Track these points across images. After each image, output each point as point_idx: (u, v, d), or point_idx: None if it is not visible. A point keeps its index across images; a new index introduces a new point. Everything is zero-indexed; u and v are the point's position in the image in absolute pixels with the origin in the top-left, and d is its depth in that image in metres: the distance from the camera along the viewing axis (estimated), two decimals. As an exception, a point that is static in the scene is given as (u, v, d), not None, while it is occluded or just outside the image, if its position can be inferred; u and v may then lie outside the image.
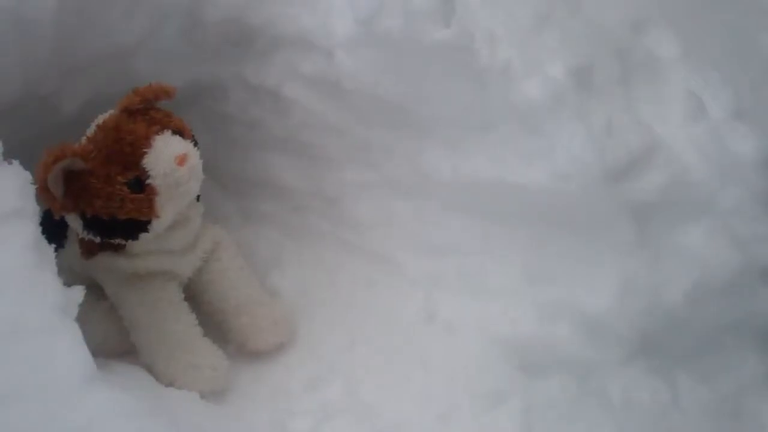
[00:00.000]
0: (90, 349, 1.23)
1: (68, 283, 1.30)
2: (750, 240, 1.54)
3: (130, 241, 1.59)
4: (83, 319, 1.28)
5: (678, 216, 1.56)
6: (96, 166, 1.49)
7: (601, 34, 1.68)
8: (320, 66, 1.72)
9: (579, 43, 1.64)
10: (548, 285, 1.62)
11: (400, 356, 1.67)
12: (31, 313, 1.22)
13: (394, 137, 1.75)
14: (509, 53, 1.59)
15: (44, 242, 1.32)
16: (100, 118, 1.56)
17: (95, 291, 1.65)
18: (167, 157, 1.50)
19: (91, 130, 1.55)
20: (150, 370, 1.61)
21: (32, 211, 1.33)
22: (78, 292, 1.29)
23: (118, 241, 1.59)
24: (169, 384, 1.59)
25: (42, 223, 1.35)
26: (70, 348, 1.21)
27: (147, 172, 1.49)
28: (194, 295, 1.73)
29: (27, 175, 1.36)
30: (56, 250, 1.33)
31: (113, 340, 1.65)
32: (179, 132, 1.55)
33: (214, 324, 1.72)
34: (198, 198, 1.65)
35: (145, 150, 1.49)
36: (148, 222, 1.54)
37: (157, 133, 1.51)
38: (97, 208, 1.51)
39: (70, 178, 1.49)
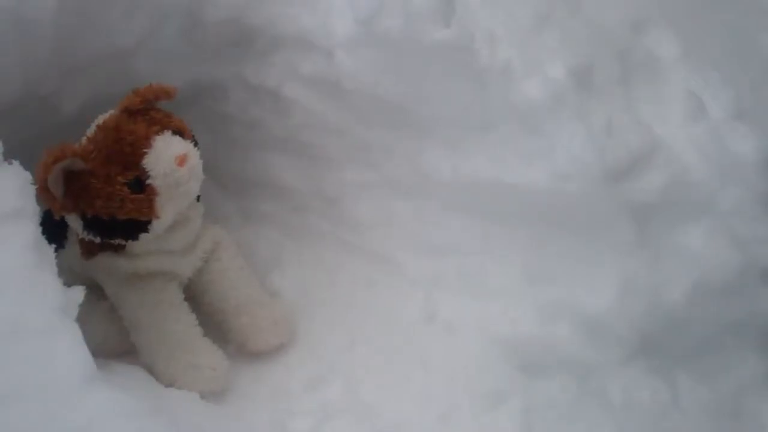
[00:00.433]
0: (90, 349, 1.23)
1: (68, 284, 1.30)
2: (750, 240, 1.54)
3: (130, 242, 1.59)
4: (83, 319, 1.28)
5: (678, 216, 1.56)
6: (96, 167, 1.49)
7: (601, 34, 1.68)
8: (320, 66, 1.72)
9: (579, 43, 1.64)
10: (548, 285, 1.62)
11: (400, 356, 1.67)
12: (32, 313, 1.22)
13: (394, 137, 1.75)
14: (509, 53, 1.59)
15: (44, 242, 1.32)
16: (101, 119, 1.56)
17: (95, 291, 1.65)
18: (167, 157, 1.50)
19: (91, 131, 1.55)
20: (150, 370, 1.61)
21: (32, 211, 1.33)
22: (78, 293, 1.29)
23: (118, 241, 1.59)
24: (170, 384, 1.59)
25: (42, 224, 1.35)
26: (70, 348, 1.21)
27: (147, 172, 1.49)
28: (194, 295, 1.73)
29: (27, 176, 1.36)
30: (56, 250, 1.33)
31: (113, 340, 1.65)
32: (179, 132, 1.55)
33: (214, 324, 1.72)
34: (198, 198, 1.65)
35: (145, 150, 1.49)
36: (148, 222, 1.54)
37: (157, 133, 1.51)
38: (97, 208, 1.51)
39: (70, 178, 1.49)
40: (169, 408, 1.45)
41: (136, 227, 1.55)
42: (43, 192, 1.44)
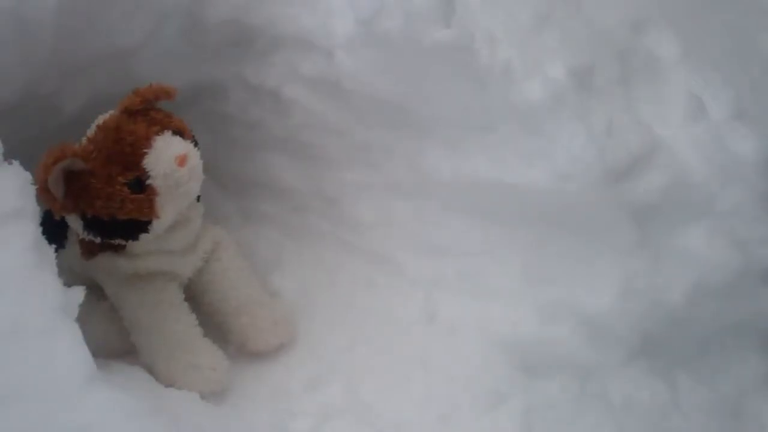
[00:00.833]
0: (90, 349, 1.23)
1: (68, 284, 1.30)
2: (750, 241, 1.54)
3: (130, 242, 1.59)
4: (83, 319, 1.28)
5: (678, 217, 1.56)
6: (96, 167, 1.49)
7: (601, 34, 1.68)
8: (320, 66, 1.72)
9: (579, 43, 1.64)
10: (548, 285, 1.62)
11: (400, 357, 1.67)
12: (32, 313, 1.22)
13: (394, 137, 1.75)
14: (509, 53, 1.59)
15: (44, 243, 1.32)
16: (101, 119, 1.56)
17: (95, 291, 1.65)
18: (167, 157, 1.50)
19: (91, 131, 1.55)
20: (150, 370, 1.61)
21: (32, 211, 1.33)
22: (78, 293, 1.29)
23: (118, 241, 1.59)
24: (170, 384, 1.59)
25: (42, 224, 1.35)
26: (70, 348, 1.21)
27: (147, 172, 1.49)
28: (194, 295, 1.73)
29: (27, 176, 1.36)
30: (56, 250, 1.33)
31: (113, 340, 1.65)
32: (179, 132, 1.55)
33: (215, 324, 1.72)
34: (198, 198, 1.65)
35: (145, 150, 1.49)
36: (149, 222, 1.54)
37: (157, 133, 1.51)
38: (97, 208, 1.51)
39: (71, 178, 1.49)
40: (169, 408, 1.45)
41: (137, 227, 1.55)
42: (43, 192, 1.44)
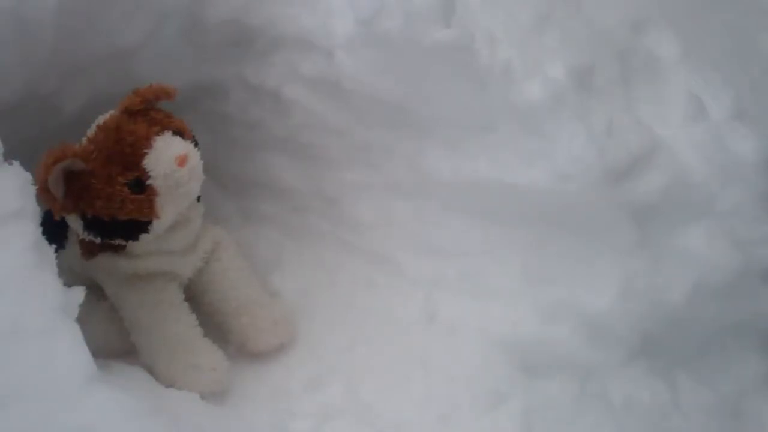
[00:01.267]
0: (90, 349, 1.23)
1: (69, 284, 1.30)
2: (750, 241, 1.54)
3: (130, 242, 1.59)
4: (84, 319, 1.28)
5: (678, 217, 1.56)
6: (96, 167, 1.49)
7: (601, 34, 1.68)
8: (320, 66, 1.72)
9: (579, 43, 1.64)
10: (548, 286, 1.62)
11: (400, 357, 1.67)
12: (32, 313, 1.22)
13: (394, 137, 1.75)
14: (509, 53, 1.59)
15: (44, 243, 1.32)
16: (101, 119, 1.56)
17: (96, 291, 1.65)
18: (168, 157, 1.50)
19: (91, 131, 1.55)
20: (150, 370, 1.61)
21: (32, 211, 1.33)
22: (78, 293, 1.29)
23: (118, 241, 1.59)
24: (170, 384, 1.59)
25: (42, 224, 1.35)
26: (70, 348, 1.21)
27: (147, 172, 1.49)
28: (194, 295, 1.73)
29: (27, 176, 1.36)
30: (56, 250, 1.33)
31: (114, 340, 1.65)
32: (180, 133, 1.55)
33: (215, 324, 1.72)
34: (198, 199, 1.65)
35: (145, 151, 1.49)
36: (149, 223, 1.54)
37: (157, 133, 1.51)
38: (97, 208, 1.51)
39: (71, 178, 1.48)
40: (170, 408, 1.45)
41: (137, 228, 1.55)
42: (43, 192, 1.44)
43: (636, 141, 1.56)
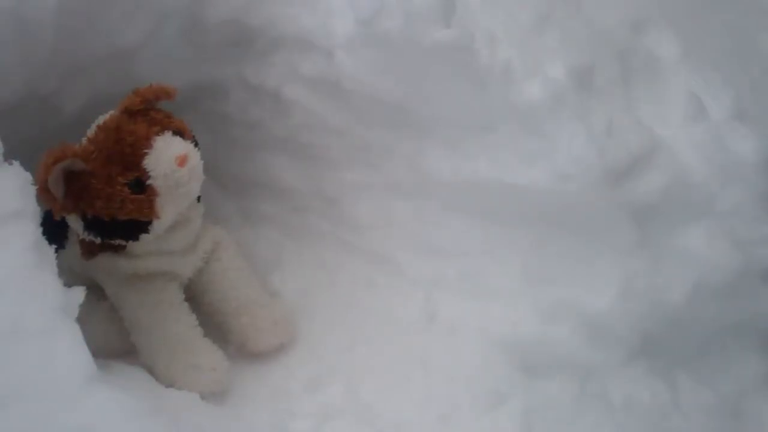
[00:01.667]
0: (90, 349, 1.23)
1: (69, 284, 1.30)
2: (750, 241, 1.54)
3: (130, 242, 1.59)
4: (84, 319, 1.28)
5: (678, 217, 1.56)
6: (96, 167, 1.49)
7: (601, 34, 1.68)
8: (320, 66, 1.72)
9: (579, 43, 1.64)
10: (549, 286, 1.62)
11: (400, 357, 1.67)
12: (32, 313, 1.22)
13: (394, 137, 1.75)
14: (509, 53, 1.59)
15: (45, 243, 1.32)
16: (101, 119, 1.56)
17: (96, 292, 1.65)
18: (168, 157, 1.50)
19: (91, 131, 1.55)
20: (150, 370, 1.61)
21: (33, 211, 1.33)
22: (78, 293, 1.29)
23: (118, 241, 1.59)
24: (170, 385, 1.59)
25: (42, 224, 1.35)
26: (70, 348, 1.21)
27: (147, 172, 1.49)
28: (194, 295, 1.73)
29: (27, 176, 1.36)
30: (57, 250, 1.33)
31: (114, 340, 1.65)
32: (180, 133, 1.55)
33: (215, 325, 1.72)
34: (198, 199, 1.65)
35: (145, 151, 1.49)
36: (149, 223, 1.54)
37: (157, 133, 1.51)
38: (97, 208, 1.51)
39: (71, 178, 1.49)
40: (169, 408, 1.45)
41: (137, 228, 1.55)
42: (43, 192, 1.44)
43: (636, 141, 1.56)
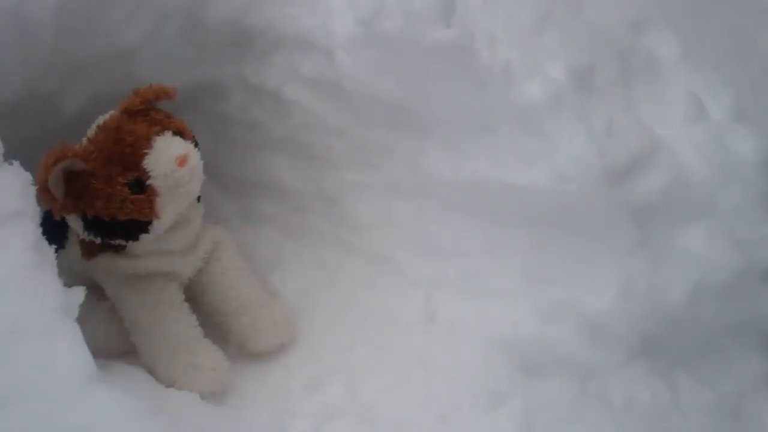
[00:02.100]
0: (90, 349, 1.23)
1: (69, 284, 1.30)
2: (750, 241, 1.54)
3: (130, 242, 1.59)
4: (84, 319, 1.28)
5: (678, 217, 1.56)
6: (96, 167, 1.49)
7: (601, 34, 1.68)
8: (320, 66, 1.72)
9: (579, 43, 1.65)
10: (549, 286, 1.62)
11: (400, 357, 1.67)
12: (32, 313, 1.22)
13: (394, 137, 1.75)
14: (509, 54, 1.59)
15: (45, 243, 1.32)
16: (101, 119, 1.56)
17: (96, 292, 1.65)
18: (168, 158, 1.50)
19: (91, 131, 1.55)
20: (150, 370, 1.61)
21: (33, 211, 1.33)
22: (78, 293, 1.29)
23: (118, 241, 1.59)
24: (170, 385, 1.59)
25: (42, 224, 1.35)
26: (70, 348, 1.21)
27: (147, 172, 1.49)
28: (194, 295, 1.73)
29: (27, 176, 1.36)
30: (57, 250, 1.33)
31: (114, 340, 1.65)
32: (180, 133, 1.55)
33: (215, 325, 1.72)
34: (198, 199, 1.65)
35: (145, 151, 1.50)
36: (149, 223, 1.54)
37: (157, 133, 1.51)
38: (97, 208, 1.51)
39: (71, 178, 1.49)
40: (169, 408, 1.45)
41: (137, 228, 1.55)
42: (43, 193, 1.44)
43: (636, 141, 1.56)
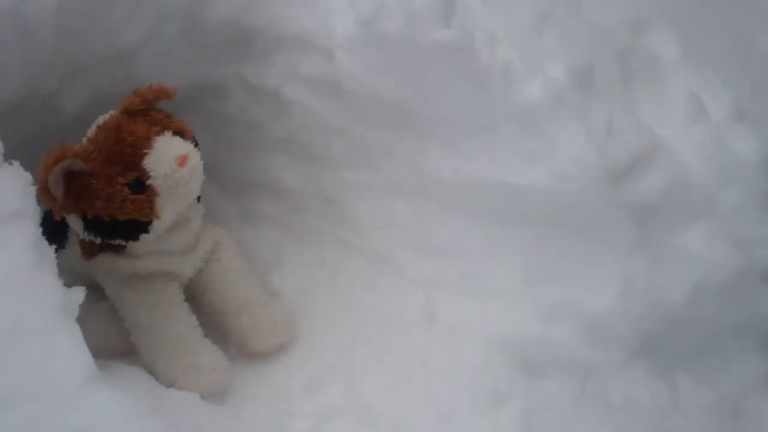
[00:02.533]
0: (90, 349, 1.23)
1: (69, 284, 1.30)
2: (750, 241, 1.54)
3: (130, 242, 1.59)
4: (84, 319, 1.28)
5: (678, 217, 1.56)
6: (96, 167, 1.49)
7: (601, 34, 1.68)
8: (320, 66, 1.72)
9: (579, 43, 1.65)
10: (549, 286, 1.62)
11: (400, 357, 1.67)
12: (32, 313, 1.22)
13: (394, 137, 1.75)
14: (509, 54, 1.59)
15: (45, 243, 1.32)
16: (101, 119, 1.56)
17: (96, 292, 1.65)
18: (168, 157, 1.50)
19: (91, 131, 1.55)
20: (151, 370, 1.61)
21: (33, 211, 1.33)
22: (78, 293, 1.29)
23: (118, 241, 1.59)
24: (170, 385, 1.59)
25: (42, 224, 1.35)
26: (70, 348, 1.21)
27: (147, 172, 1.49)
28: (194, 295, 1.73)
29: (27, 176, 1.36)
30: (57, 250, 1.33)
31: (114, 340, 1.65)
32: (180, 133, 1.55)
33: (215, 325, 1.72)
34: (198, 199, 1.65)
35: (145, 151, 1.50)
36: (149, 223, 1.54)
37: (157, 133, 1.51)
38: (97, 208, 1.51)
39: (71, 178, 1.49)
40: (169, 408, 1.45)
41: (137, 228, 1.55)
42: (43, 192, 1.44)
43: (636, 141, 1.56)
